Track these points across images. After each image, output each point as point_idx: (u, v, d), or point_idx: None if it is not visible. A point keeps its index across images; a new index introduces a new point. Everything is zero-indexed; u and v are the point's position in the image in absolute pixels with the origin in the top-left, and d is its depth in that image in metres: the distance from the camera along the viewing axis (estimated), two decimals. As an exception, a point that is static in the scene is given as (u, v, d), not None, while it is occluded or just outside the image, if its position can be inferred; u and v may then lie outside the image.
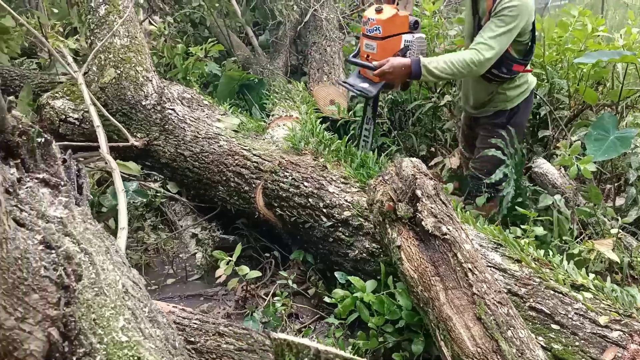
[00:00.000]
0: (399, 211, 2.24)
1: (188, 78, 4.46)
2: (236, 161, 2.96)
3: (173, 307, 2.71)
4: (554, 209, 3.03)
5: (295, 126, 3.18)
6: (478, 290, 2.00)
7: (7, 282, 0.95)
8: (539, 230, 2.80)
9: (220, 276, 2.87)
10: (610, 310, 2.11)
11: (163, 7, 5.78)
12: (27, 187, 1.18)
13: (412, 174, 2.30)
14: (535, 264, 2.37)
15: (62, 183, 1.28)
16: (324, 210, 2.77)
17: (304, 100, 3.95)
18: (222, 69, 4.43)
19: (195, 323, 2.55)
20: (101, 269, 1.18)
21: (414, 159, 2.42)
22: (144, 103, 3.04)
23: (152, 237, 3.60)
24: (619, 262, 2.86)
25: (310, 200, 2.80)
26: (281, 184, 2.86)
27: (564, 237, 2.86)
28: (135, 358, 1.06)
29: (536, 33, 3.06)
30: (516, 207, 2.92)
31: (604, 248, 2.87)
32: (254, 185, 2.91)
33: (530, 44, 2.98)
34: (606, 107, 3.66)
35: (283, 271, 2.90)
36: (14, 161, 1.20)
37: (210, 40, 4.47)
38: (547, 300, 2.19)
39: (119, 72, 3.01)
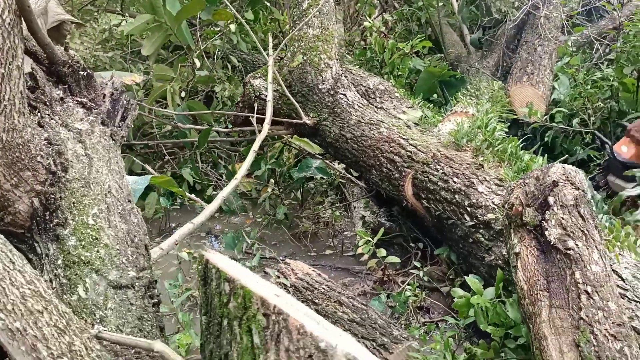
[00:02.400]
0: (525, 216, 2.07)
1: (395, 72, 4.67)
2: (391, 148, 3.06)
3: (313, 270, 3.00)
4: None
5: (464, 122, 3.12)
6: (587, 316, 1.75)
7: (7, 158, 1.38)
8: None
9: (363, 254, 3.04)
10: None
11: (394, 6, 6.12)
12: (66, 105, 1.57)
13: (553, 180, 2.10)
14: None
15: (96, 107, 1.65)
16: (468, 209, 2.68)
17: (494, 99, 3.78)
18: (425, 65, 4.52)
19: (323, 288, 2.80)
20: (95, 170, 1.50)
21: (570, 167, 2.19)
22: (320, 87, 3.36)
23: (328, 211, 3.96)
24: None
25: (456, 196, 2.74)
26: (430, 176, 2.86)
27: None
28: (94, 237, 1.35)
29: None
30: None
31: None
32: (404, 174, 2.97)
33: None
34: None
35: (418, 263, 2.90)
36: (63, 86, 1.61)
37: (419, 37, 4.59)
38: (695, 355, 1.77)
39: (306, 58, 3.39)
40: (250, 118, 3.17)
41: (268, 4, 4.99)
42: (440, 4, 4.93)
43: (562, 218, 1.98)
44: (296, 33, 3.45)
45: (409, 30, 5.75)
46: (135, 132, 4.29)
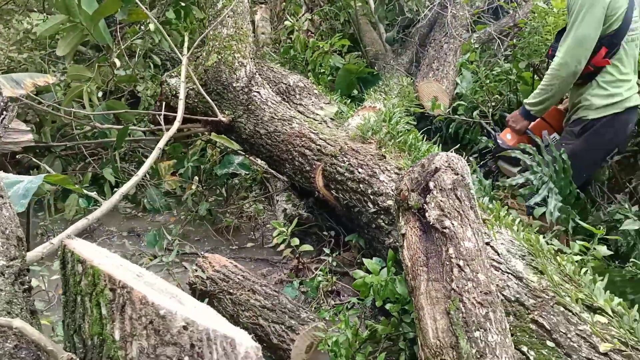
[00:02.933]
0: (410, 201, 2.27)
1: (317, 70, 4.84)
2: (302, 142, 3.22)
3: (230, 262, 3.12)
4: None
5: (370, 116, 3.32)
6: (457, 287, 1.96)
7: None
8: (603, 250, 2.51)
9: (278, 244, 3.18)
10: (620, 339, 1.86)
11: (320, 5, 6.30)
12: None
13: (435, 167, 2.30)
14: (559, 278, 2.17)
15: None
16: (371, 197, 2.87)
17: (402, 94, 4.02)
18: (344, 63, 4.71)
19: (238, 278, 2.93)
20: None
21: (453, 155, 2.40)
22: (234, 85, 3.47)
23: (252, 206, 4.08)
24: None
25: (361, 185, 2.93)
26: (338, 168, 3.04)
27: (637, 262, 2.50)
28: None
29: (636, 24, 2.73)
30: (579, 222, 2.65)
31: (692, 285, 2.45)
32: (314, 166, 3.14)
33: (613, 35, 2.68)
34: None
35: (329, 250, 3.08)
36: None
37: (338, 36, 4.78)
38: (551, 316, 2.03)
39: (220, 57, 3.49)
40: (158, 117, 3.23)
41: (191, 4, 5.03)
42: (359, 4, 5.13)
43: (441, 200, 2.18)
44: (211, 32, 3.54)
45: (334, 29, 5.95)
46: (54, 134, 4.26)
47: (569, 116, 3.03)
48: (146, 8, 4.41)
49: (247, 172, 4.10)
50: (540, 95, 2.94)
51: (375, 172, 2.92)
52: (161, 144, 2.73)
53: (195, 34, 5.71)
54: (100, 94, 4.04)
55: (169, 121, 3.86)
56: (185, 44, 3.63)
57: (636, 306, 2.04)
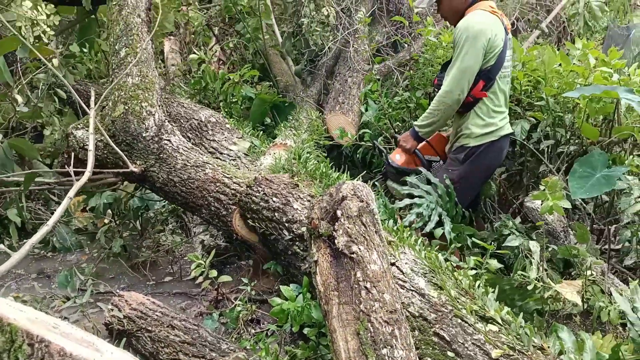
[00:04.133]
0: (321, 228, 2.42)
1: (228, 100, 4.94)
2: (217, 187, 3.31)
3: (147, 299, 3.10)
4: (522, 248, 2.99)
5: (281, 155, 3.47)
6: (366, 308, 2.12)
7: None
8: (494, 263, 2.79)
9: (197, 277, 3.21)
10: (508, 345, 2.10)
11: (230, 36, 6.43)
12: None
13: (342, 195, 2.47)
14: (456, 292, 2.40)
15: None
16: (286, 224, 3.00)
17: (312, 128, 4.22)
18: (256, 93, 4.85)
19: (157, 315, 2.92)
20: None
21: (358, 183, 2.58)
22: (144, 135, 3.46)
23: (168, 239, 4.06)
24: (579, 305, 2.75)
25: (276, 214, 3.05)
26: (253, 198, 3.14)
27: (524, 273, 2.81)
28: None
29: (507, 63, 3.11)
30: (474, 240, 2.93)
31: (569, 289, 2.78)
32: (230, 211, 3.23)
33: (489, 70, 3.04)
34: (615, 145, 3.48)
35: (247, 279, 3.15)
36: None
37: (246, 66, 4.92)
38: (450, 328, 2.24)
39: (127, 107, 3.47)
40: (67, 167, 3.16)
41: (97, 38, 4.97)
42: (267, 36, 5.31)
43: (348, 227, 2.35)
44: (116, 82, 3.53)
45: (245, 58, 6.09)
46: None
47: (452, 144, 3.36)
48: (47, 43, 4.32)
49: (162, 205, 4.08)
50: (427, 118, 3.23)
51: (289, 201, 3.06)
52: (71, 193, 2.67)
53: (101, 64, 5.64)
54: (-1, 134, 3.87)
55: (78, 172, 3.78)
56: (92, 97, 3.57)
57: (521, 314, 2.30)
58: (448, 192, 3.04)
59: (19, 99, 4.11)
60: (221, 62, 6.71)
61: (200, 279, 3.23)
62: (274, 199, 3.11)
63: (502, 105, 3.20)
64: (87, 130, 3.51)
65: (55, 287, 3.47)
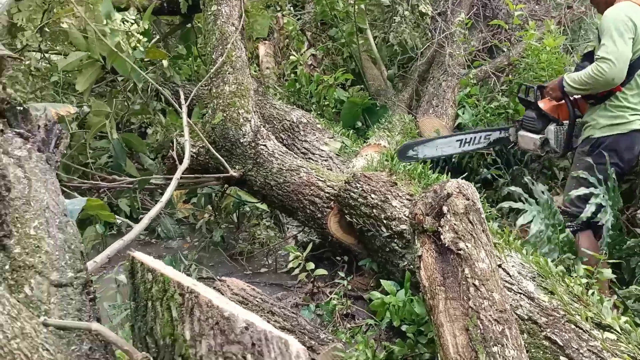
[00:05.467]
0: (425, 224, 2.42)
1: (322, 102, 5.06)
2: (311, 191, 3.41)
3: (247, 286, 3.23)
4: None
5: (374, 157, 3.50)
6: (475, 305, 2.09)
7: None
8: (607, 273, 2.65)
9: (294, 268, 3.30)
10: (629, 355, 1.99)
11: (322, 41, 6.57)
12: (6, 135, 1.82)
13: (448, 193, 2.46)
14: (569, 298, 2.31)
15: (32, 136, 1.90)
16: (385, 221, 3.02)
17: (405, 130, 4.22)
18: (348, 96, 4.92)
19: (257, 301, 3.03)
20: (34, 189, 1.75)
21: (463, 181, 2.56)
22: (242, 140, 3.64)
23: (263, 233, 4.20)
24: None
25: (374, 210, 3.08)
26: (351, 193, 3.19)
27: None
28: (36, 245, 1.62)
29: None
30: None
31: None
32: (325, 213, 3.30)
33: (632, 64, 2.92)
34: None
35: (343, 274, 3.19)
36: (2, 119, 1.86)
37: (341, 70, 5.01)
38: (563, 333, 2.16)
39: (225, 115, 3.66)
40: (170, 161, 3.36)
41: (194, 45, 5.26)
42: (361, 41, 5.39)
43: (454, 224, 2.33)
44: (214, 90, 3.74)
45: (336, 64, 6.20)
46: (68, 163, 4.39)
47: (578, 137, 3.25)
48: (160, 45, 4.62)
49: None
50: (581, 84, 3.06)
51: (388, 198, 3.07)
52: (165, 197, 2.83)
53: (200, 68, 5.94)
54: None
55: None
56: (182, 97, 3.81)
57: (642, 323, 2.18)
58: (614, 187, 2.89)
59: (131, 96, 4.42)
60: (312, 67, 6.87)
61: (297, 271, 3.31)
62: (372, 195, 3.14)
63: (637, 103, 3.04)
64: (190, 137, 3.75)
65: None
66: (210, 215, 4.22)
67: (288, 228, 4.23)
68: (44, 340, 1.36)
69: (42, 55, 5.60)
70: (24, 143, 1.85)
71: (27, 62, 5.20)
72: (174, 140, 3.93)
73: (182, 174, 3.31)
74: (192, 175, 3.78)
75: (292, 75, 5.65)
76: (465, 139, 3.75)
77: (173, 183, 2.90)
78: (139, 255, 1.39)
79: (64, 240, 1.71)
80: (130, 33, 4.29)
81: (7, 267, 1.57)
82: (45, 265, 1.60)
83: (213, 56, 4.05)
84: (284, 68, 6.35)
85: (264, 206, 4.24)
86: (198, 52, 5.43)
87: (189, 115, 4.95)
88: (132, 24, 4.26)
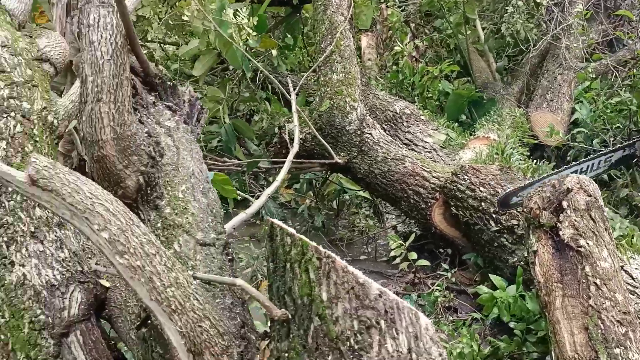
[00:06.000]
0: (542, 218, 2.34)
1: (425, 94, 5.01)
2: (416, 181, 3.40)
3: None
4: None
5: (482, 150, 3.42)
6: (595, 304, 2.01)
7: (120, 146, 1.81)
8: None
9: (395, 259, 3.33)
10: None
11: (425, 32, 6.49)
12: (157, 108, 2.00)
13: (567, 188, 2.37)
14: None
15: (179, 110, 2.08)
16: (494, 215, 2.95)
17: (515, 124, 4.07)
18: (453, 88, 4.83)
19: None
20: (182, 157, 1.92)
21: (584, 177, 2.46)
22: (347, 128, 3.71)
23: (362, 221, 4.26)
24: None
25: (482, 204, 3.02)
26: (458, 185, 3.15)
27: None
28: (184, 207, 1.80)
29: None
30: None
31: None
32: (429, 204, 3.29)
33: None
34: None
35: (445, 265, 3.17)
36: (154, 93, 2.05)
37: (447, 62, 4.92)
38: (696, 342, 2.00)
39: (332, 102, 3.73)
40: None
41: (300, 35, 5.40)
42: (468, 32, 5.26)
43: (575, 220, 2.24)
44: (322, 78, 3.83)
45: (439, 55, 6.10)
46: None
47: None
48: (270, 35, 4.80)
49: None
50: None
51: (498, 192, 3.00)
52: (280, 177, 2.94)
53: (304, 58, 6.10)
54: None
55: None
56: (290, 86, 3.92)
57: None
58: None
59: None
60: (414, 59, 6.80)
61: (398, 260, 3.33)
62: (481, 188, 3.08)
63: None
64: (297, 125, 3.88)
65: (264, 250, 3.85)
66: (311, 201, 4.34)
67: (387, 218, 4.26)
68: (194, 291, 1.51)
69: (160, 46, 6.03)
70: (172, 115, 2.05)
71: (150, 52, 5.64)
72: (281, 126, 4.08)
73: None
74: (299, 160, 3.90)
75: (394, 67, 5.63)
76: (581, 168, 3.47)
77: (287, 164, 3.02)
78: (274, 222, 1.49)
79: (207, 205, 1.88)
80: (241, 26, 4.51)
81: (159, 225, 1.77)
82: (191, 226, 1.77)
83: (322, 45, 4.14)
84: (385, 60, 6.35)
85: (364, 194, 4.30)
86: (303, 43, 5.58)
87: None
88: (244, 18, 4.46)
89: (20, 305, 1.85)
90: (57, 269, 1.95)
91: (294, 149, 3.36)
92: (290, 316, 1.44)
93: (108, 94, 1.77)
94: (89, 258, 2.15)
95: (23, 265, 1.89)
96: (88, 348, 1.85)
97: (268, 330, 1.66)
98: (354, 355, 1.24)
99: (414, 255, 3.16)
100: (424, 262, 3.18)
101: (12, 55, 2.31)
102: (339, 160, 3.76)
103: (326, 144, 3.73)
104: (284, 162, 3.76)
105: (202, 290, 1.60)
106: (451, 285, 3.21)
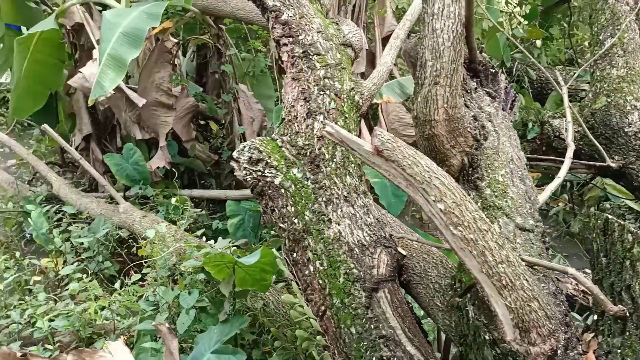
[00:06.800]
0: None
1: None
2: None
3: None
4: None
5: None
6: None
7: (449, 127, 1.93)
8: None
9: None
10: None
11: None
12: (478, 93, 2.02)
13: None
14: None
15: (498, 96, 2.08)
16: None
17: None
18: None
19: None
20: (501, 142, 1.94)
21: None
22: (626, 130, 3.34)
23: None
24: None
25: None
26: None
27: None
28: (503, 191, 1.88)
29: None
30: None
31: None
32: None
33: None
34: None
35: None
36: (476, 79, 2.11)
37: None
38: None
39: (609, 100, 3.39)
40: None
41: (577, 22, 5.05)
42: None
43: None
44: (598, 73, 3.51)
45: None
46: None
47: None
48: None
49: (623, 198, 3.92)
50: None
51: None
52: (561, 173, 2.80)
53: (561, 51, 5.69)
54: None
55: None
56: (559, 78, 3.66)
57: None
58: None
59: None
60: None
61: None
62: None
63: None
64: (563, 120, 3.66)
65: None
66: (565, 204, 4.11)
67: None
68: (524, 272, 1.56)
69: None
70: (491, 101, 2.14)
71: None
72: (545, 121, 3.92)
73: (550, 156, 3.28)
74: (561, 159, 3.72)
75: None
76: None
77: (566, 162, 2.89)
78: (613, 217, 1.46)
79: (525, 191, 1.93)
80: (512, 14, 4.41)
81: (478, 204, 1.88)
82: (511, 209, 1.84)
83: (600, 37, 3.84)
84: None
85: (632, 205, 3.91)
86: (569, 34, 5.23)
87: (544, 100, 4.87)
88: (515, 6, 4.35)
89: (336, 257, 2.11)
90: (366, 231, 2.18)
91: (571, 146, 3.21)
92: (628, 314, 1.41)
93: (445, 78, 1.91)
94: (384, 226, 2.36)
95: (338, 224, 2.15)
96: (394, 306, 2.04)
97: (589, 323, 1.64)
98: None
99: None
100: None
101: (325, 40, 2.61)
102: (612, 164, 3.46)
103: (598, 144, 3.48)
104: (546, 159, 3.65)
105: (530, 273, 1.65)
106: None
